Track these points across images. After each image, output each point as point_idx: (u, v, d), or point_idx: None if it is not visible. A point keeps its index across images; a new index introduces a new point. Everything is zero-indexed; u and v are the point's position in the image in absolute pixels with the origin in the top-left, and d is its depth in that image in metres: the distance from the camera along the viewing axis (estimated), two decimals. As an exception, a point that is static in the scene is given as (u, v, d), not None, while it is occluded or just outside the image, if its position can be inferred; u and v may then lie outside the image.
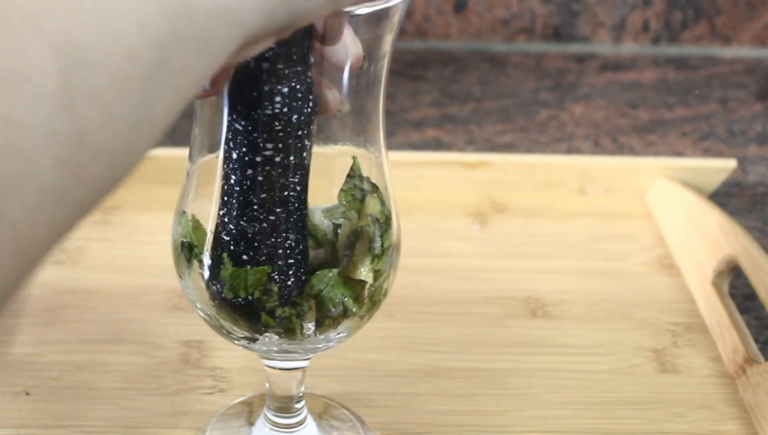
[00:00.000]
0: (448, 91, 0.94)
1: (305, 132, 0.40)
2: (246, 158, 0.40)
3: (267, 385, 0.52)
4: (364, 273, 0.44)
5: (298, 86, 0.39)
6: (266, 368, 0.50)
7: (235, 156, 0.40)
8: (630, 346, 0.61)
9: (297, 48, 0.38)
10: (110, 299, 0.63)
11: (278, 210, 0.41)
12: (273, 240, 0.41)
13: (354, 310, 0.44)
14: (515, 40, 1.02)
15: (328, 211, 0.44)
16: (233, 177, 0.41)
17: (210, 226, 0.43)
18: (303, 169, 0.41)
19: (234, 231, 0.42)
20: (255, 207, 0.41)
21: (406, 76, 0.97)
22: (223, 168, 0.41)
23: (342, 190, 0.44)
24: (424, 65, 0.99)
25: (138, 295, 0.63)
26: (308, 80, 0.39)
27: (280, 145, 0.40)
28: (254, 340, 0.45)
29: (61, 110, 0.26)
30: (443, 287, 0.65)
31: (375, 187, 0.45)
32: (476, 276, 0.67)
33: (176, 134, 0.84)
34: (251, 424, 0.54)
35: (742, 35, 1.02)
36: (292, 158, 0.40)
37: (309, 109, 0.40)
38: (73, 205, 0.27)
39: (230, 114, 0.40)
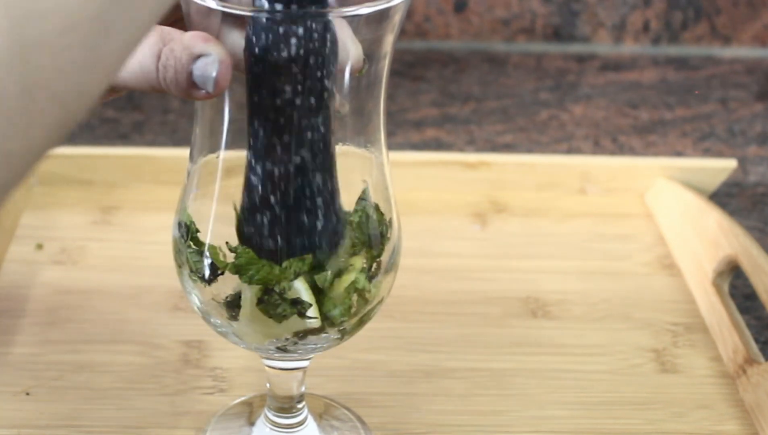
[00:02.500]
0: (448, 91, 0.94)
1: (324, 72, 0.39)
2: (266, 102, 0.40)
3: (267, 385, 0.52)
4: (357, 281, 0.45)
5: (313, 26, 0.38)
6: (267, 368, 0.50)
7: (256, 99, 0.40)
8: (630, 346, 0.61)
9: None
10: (110, 299, 0.63)
11: (302, 151, 0.40)
12: (299, 181, 0.41)
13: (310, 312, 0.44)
14: (515, 40, 1.02)
15: None
16: (255, 121, 0.40)
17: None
18: (325, 110, 0.40)
19: (261, 173, 0.41)
20: (279, 149, 0.40)
21: (406, 76, 0.97)
22: (247, 111, 0.41)
23: (354, 211, 0.44)
24: (424, 65, 0.99)
25: (138, 295, 0.63)
26: (325, 20, 0.39)
27: (299, 88, 0.39)
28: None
29: (9, 64, 0.26)
30: (443, 287, 0.65)
31: (380, 212, 0.45)
32: (476, 276, 0.67)
33: (176, 134, 0.84)
34: (252, 424, 0.54)
35: (742, 35, 1.02)
36: (312, 100, 0.40)
37: (327, 50, 0.39)
38: (22, 156, 0.27)
39: (248, 57, 0.39)
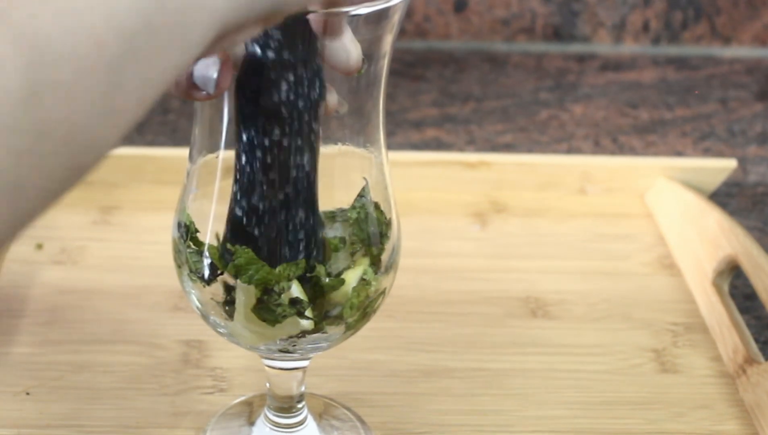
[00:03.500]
0: (448, 91, 0.94)
1: (313, 116, 0.41)
2: (255, 141, 0.41)
3: (267, 384, 0.52)
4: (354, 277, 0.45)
5: (304, 73, 0.40)
6: (266, 368, 0.50)
7: (245, 138, 0.41)
8: (630, 346, 0.61)
9: (300, 36, 0.39)
10: (110, 299, 0.63)
11: (287, 189, 0.42)
12: (283, 217, 0.42)
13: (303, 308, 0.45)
14: (515, 40, 1.02)
15: (329, 215, 0.45)
16: (244, 157, 0.42)
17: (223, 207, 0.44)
18: (311, 151, 0.42)
19: (246, 207, 0.43)
20: (264, 186, 0.42)
21: (406, 76, 0.97)
22: (235, 147, 0.42)
23: (352, 207, 0.45)
24: (424, 65, 0.99)
25: (138, 295, 0.63)
26: (315, 66, 0.40)
27: (287, 130, 0.41)
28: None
29: (24, 103, 0.26)
30: (443, 287, 0.65)
31: (380, 211, 0.46)
32: (476, 276, 0.67)
33: (176, 134, 0.84)
34: (252, 423, 0.54)
35: (742, 35, 1.02)
36: (299, 141, 0.41)
37: (316, 95, 0.41)
38: (35, 196, 0.28)
39: (240, 98, 0.41)
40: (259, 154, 0.41)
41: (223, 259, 0.44)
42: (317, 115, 0.41)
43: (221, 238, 0.44)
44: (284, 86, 0.40)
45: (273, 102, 0.40)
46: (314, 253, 0.44)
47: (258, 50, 0.39)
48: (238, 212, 0.43)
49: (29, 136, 0.26)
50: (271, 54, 0.39)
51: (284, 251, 0.43)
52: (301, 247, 0.43)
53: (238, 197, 0.43)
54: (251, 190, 0.42)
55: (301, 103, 0.40)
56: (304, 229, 0.43)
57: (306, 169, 0.42)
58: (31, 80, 0.26)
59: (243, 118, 0.41)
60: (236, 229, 0.43)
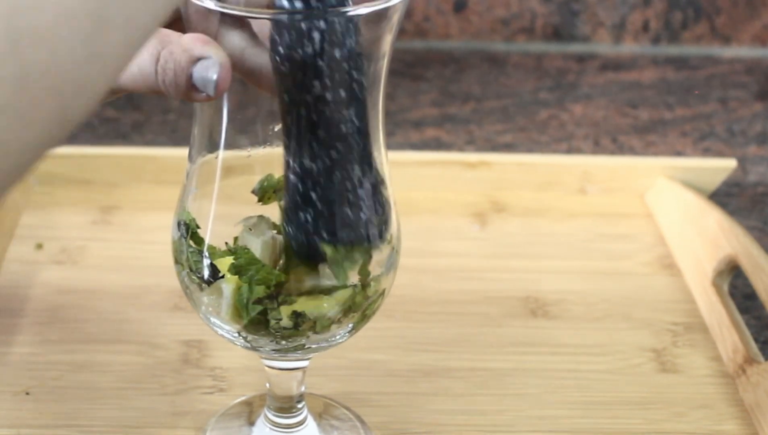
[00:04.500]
0: (448, 91, 0.94)
1: (352, 65, 0.39)
2: (296, 99, 0.40)
3: (267, 385, 0.52)
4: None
5: (336, 20, 0.38)
6: (266, 368, 0.50)
7: (286, 98, 0.40)
8: (630, 346, 0.61)
9: None
10: (110, 299, 0.63)
11: (338, 144, 0.40)
12: (339, 176, 0.41)
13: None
14: (515, 40, 1.02)
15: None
16: (288, 119, 0.40)
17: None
18: (358, 102, 0.40)
19: (299, 171, 0.41)
20: (314, 145, 0.40)
21: (406, 76, 0.97)
22: (280, 112, 0.41)
23: None
24: (424, 65, 0.99)
25: (138, 295, 0.63)
26: (347, 13, 0.39)
27: (327, 82, 0.39)
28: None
29: (3, 53, 0.25)
30: (443, 287, 0.65)
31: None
32: (476, 276, 0.67)
33: (176, 134, 0.84)
34: (251, 424, 0.54)
35: (742, 35, 1.02)
36: (342, 93, 0.40)
37: (352, 41, 0.39)
38: (19, 149, 0.27)
39: (274, 56, 0.39)
40: (303, 112, 0.40)
41: (286, 233, 0.43)
42: (358, 64, 0.40)
43: (282, 208, 0.43)
44: (316, 35, 0.38)
45: (308, 54, 0.38)
46: (378, 211, 0.43)
47: (285, 2, 0.38)
48: (293, 178, 0.41)
49: (10, 86, 0.26)
50: (299, 3, 0.38)
51: (346, 212, 0.41)
52: (363, 207, 0.42)
53: (290, 163, 0.41)
54: (301, 151, 0.41)
55: (337, 52, 0.39)
56: (363, 186, 0.42)
57: (355, 122, 0.40)
58: (10, 29, 0.25)
59: (281, 77, 0.39)
60: (294, 196, 0.42)
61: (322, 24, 0.38)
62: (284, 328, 0.44)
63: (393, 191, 0.47)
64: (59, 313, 0.62)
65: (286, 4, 0.38)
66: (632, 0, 1.01)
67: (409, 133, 0.87)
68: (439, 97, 0.93)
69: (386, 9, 0.40)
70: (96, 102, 0.29)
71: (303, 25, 0.38)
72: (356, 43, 0.39)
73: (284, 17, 0.38)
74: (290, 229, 0.42)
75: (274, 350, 0.47)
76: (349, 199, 0.41)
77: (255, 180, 0.44)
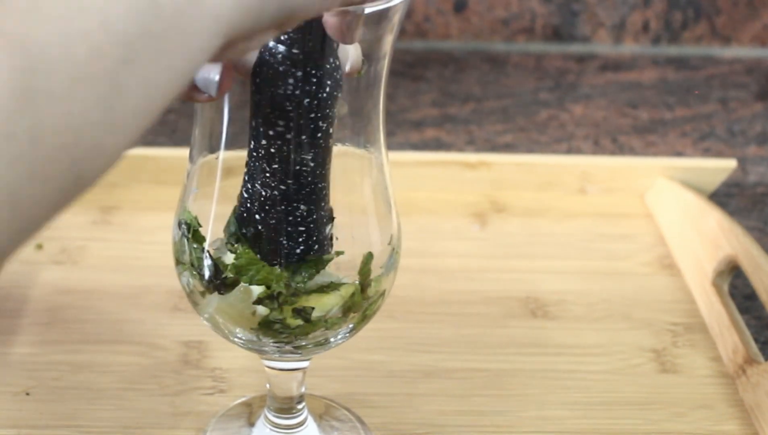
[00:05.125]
0: (448, 91, 0.94)
1: (320, 115, 0.41)
2: (261, 129, 0.41)
3: (267, 385, 0.52)
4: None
5: (313, 71, 0.40)
6: (266, 369, 0.50)
7: (253, 124, 0.42)
8: (630, 346, 0.61)
9: (312, 34, 0.39)
10: (110, 299, 0.63)
11: (289, 181, 0.42)
12: (283, 208, 0.43)
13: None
14: (515, 40, 1.02)
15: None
16: (252, 142, 0.42)
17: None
18: (317, 148, 0.42)
19: (251, 191, 0.43)
20: (267, 175, 0.42)
21: (406, 76, 0.97)
22: (249, 131, 0.42)
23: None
24: (424, 65, 0.99)
25: (138, 295, 0.63)
26: (328, 66, 0.40)
27: (291, 124, 0.41)
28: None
29: (18, 109, 0.26)
30: (443, 287, 0.65)
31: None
32: (476, 276, 0.67)
33: (176, 134, 0.84)
34: (251, 425, 0.54)
35: (742, 35, 1.02)
36: (303, 137, 0.41)
37: (324, 94, 0.41)
38: (32, 205, 0.27)
39: (252, 84, 0.41)
40: (263, 142, 0.41)
41: (230, 234, 0.44)
42: (326, 115, 0.41)
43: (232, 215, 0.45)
44: (290, 81, 0.40)
45: (278, 94, 0.40)
46: (315, 248, 0.44)
47: (271, 42, 0.39)
48: (245, 194, 0.43)
49: (23, 141, 0.26)
50: (281, 47, 0.39)
51: (282, 241, 0.43)
52: (300, 240, 0.43)
53: (246, 179, 0.43)
54: (256, 175, 0.43)
55: (306, 100, 0.40)
56: (306, 223, 0.43)
57: (311, 165, 0.42)
58: (25, 87, 0.26)
59: (254, 104, 0.41)
60: (243, 210, 0.44)
61: (299, 73, 0.40)
62: (295, 328, 0.45)
63: (393, 191, 0.47)
64: (59, 313, 0.62)
65: (270, 43, 0.39)
66: (632, 0, 1.01)
67: (409, 133, 0.87)
68: (439, 97, 0.93)
69: (387, 9, 0.40)
70: (111, 165, 0.29)
71: (281, 68, 0.40)
72: (329, 95, 0.41)
73: (267, 53, 0.40)
74: (231, 241, 0.44)
75: (276, 348, 0.47)
76: (287, 231, 0.43)
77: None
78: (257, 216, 0.43)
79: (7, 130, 0.25)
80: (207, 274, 0.45)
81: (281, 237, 0.43)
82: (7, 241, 0.27)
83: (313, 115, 0.41)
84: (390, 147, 0.47)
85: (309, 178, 0.42)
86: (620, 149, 0.86)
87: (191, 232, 0.45)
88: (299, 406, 0.52)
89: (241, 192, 0.44)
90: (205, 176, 0.45)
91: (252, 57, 0.40)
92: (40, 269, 0.66)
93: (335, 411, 0.55)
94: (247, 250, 0.43)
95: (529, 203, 0.74)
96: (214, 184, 0.45)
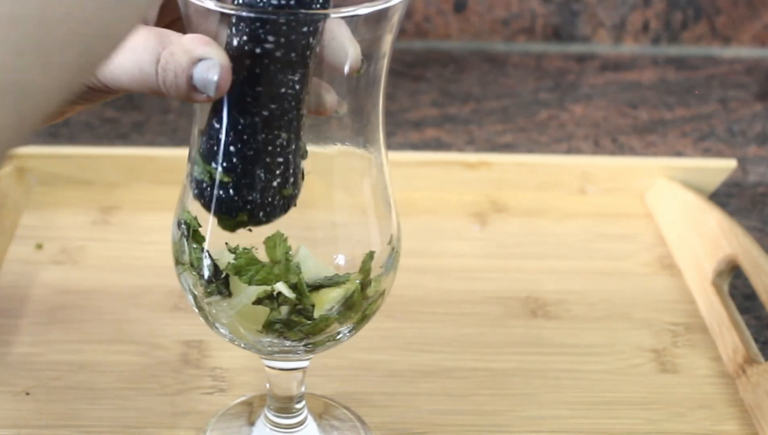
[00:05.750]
0: (448, 91, 0.94)
1: (311, 29, 0.39)
2: (245, 48, 0.39)
3: (267, 385, 0.52)
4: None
5: None
6: (266, 368, 0.50)
7: (235, 43, 0.39)
8: (630, 346, 0.61)
9: None
10: (110, 299, 0.63)
11: (273, 105, 0.40)
12: (264, 135, 0.40)
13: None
14: (515, 40, 1.02)
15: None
16: (232, 63, 0.39)
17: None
18: (303, 68, 0.40)
19: (225, 120, 0.40)
20: (248, 99, 0.40)
21: (406, 76, 0.97)
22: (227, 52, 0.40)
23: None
24: (424, 65, 0.99)
25: (138, 295, 0.63)
26: None
27: (282, 40, 0.38)
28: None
29: None
30: (443, 287, 0.65)
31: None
32: (476, 276, 0.67)
33: (176, 134, 0.84)
34: (251, 424, 0.54)
35: (742, 35, 1.02)
36: (293, 54, 0.39)
37: (318, 5, 0.38)
38: (41, 94, 0.26)
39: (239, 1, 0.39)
40: (247, 62, 0.39)
41: (196, 188, 0.42)
42: (315, 29, 0.39)
43: (190, 160, 0.43)
44: None
45: (272, 3, 0.38)
46: (290, 181, 0.42)
47: (234, 3, 0.38)
48: (216, 124, 0.41)
49: (33, 27, 0.25)
50: (244, 10, 0.38)
51: (260, 173, 0.41)
52: (278, 172, 0.41)
53: (216, 109, 0.41)
54: (235, 102, 0.40)
55: (301, 15, 0.38)
56: (285, 154, 0.41)
57: (296, 88, 0.40)
58: None
59: (237, 20, 0.39)
60: (212, 143, 0.41)
61: None
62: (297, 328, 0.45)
63: (393, 191, 0.47)
64: (59, 313, 0.62)
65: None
66: (632, 0, 1.01)
67: (409, 133, 0.87)
68: (439, 97, 0.93)
69: (386, 9, 0.40)
70: (118, 47, 0.28)
71: None
72: (323, 6, 0.38)
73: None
74: (196, 185, 0.42)
75: (274, 346, 0.47)
76: (266, 162, 0.41)
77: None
78: (232, 147, 0.40)
79: (15, 12, 0.25)
80: (206, 274, 0.45)
81: (259, 169, 0.41)
82: (12, 135, 0.26)
83: (306, 30, 0.39)
84: (390, 147, 0.47)
85: (293, 103, 0.40)
86: (620, 149, 0.86)
87: (191, 232, 0.45)
88: (299, 406, 0.52)
89: (209, 124, 0.41)
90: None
91: None
92: (40, 269, 0.66)
93: (335, 410, 0.55)
94: (246, 251, 0.43)
95: (529, 203, 0.74)
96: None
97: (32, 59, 0.25)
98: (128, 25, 0.28)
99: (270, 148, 0.40)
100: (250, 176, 0.41)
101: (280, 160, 0.41)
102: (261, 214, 0.42)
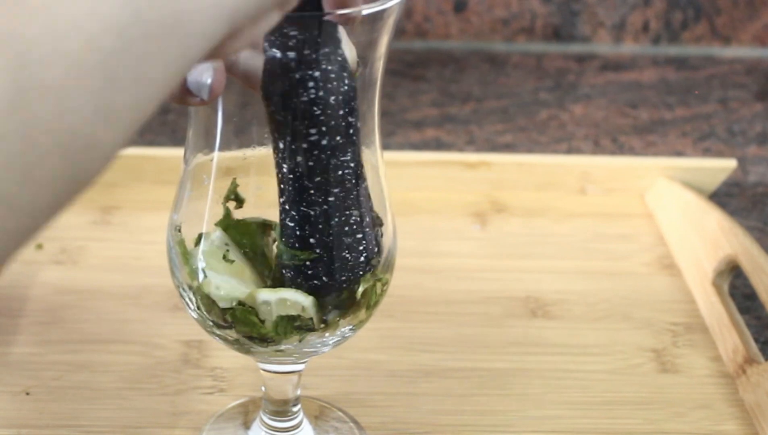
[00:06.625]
0: (448, 91, 0.94)
1: (347, 110, 0.40)
2: (293, 146, 0.40)
3: (263, 388, 0.51)
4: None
5: (329, 67, 0.39)
6: (261, 372, 0.50)
7: (282, 145, 0.40)
8: (630, 346, 0.61)
9: (321, 29, 0.38)
10: (110, 299, 0.63)
11: (335, 190, 0.41)
12: (336, 220, 0.41)
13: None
14: (515, 40, 1.02)
15: None
16: (284, 166, 0.41)
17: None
18: (353, 146, 0.41)
19: (297, 217, 0.41)
20: (312, 191, 0.41)
21: (406, 76, 0.97)
22: (274, 158, 0.41)
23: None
24: (424, 65, 0.99)
25: (138, 295, 0.63)
26: (339, 58, 0.39)
27: (324, 129, 0.39)
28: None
29: (10, 106, 0.25)
30: (443, 287, 0.65)
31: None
32: (476, 276, 0.67)
33: (176, 134, 0.84)
34: (247, 427, 0.54)
35: (742, 35, 1.02)
36: (338, 138, 0.40)
37: (346, 87, 0.39)
38: (28, 207, 0.26)
39: (269, 105, 0.40)
40: (299, 159, 0.40)
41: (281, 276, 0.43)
42: (352, 108, 0.40)
43: (275, 252, 0.44)
44: (311, 84, 0.38)
45: (303, 102, 0.39)
46: (375, 251, 0.43)
47: (277, 52, 0.38)
48: (290, 223, 0.42)
49: (15, 141, 0.25)
50: (291, 54, 0.38)
51: (345, 255, 0.42)
52: (361, 249, 0.42)
53: (287, 207, 0.41)
54: (299, 198, 0.41)
55: (332, 99, 0.39)
56: (362, 229, 0.42)
57: (351, 165, 0.41)
58: (18, 82, 0.25)
59: (276, 125, 0.40)
60: (292, 241, 0.42)
61: (315, 72, 0.38)
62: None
63: (389, 193, 0.47)
64: (59, 313, 0.62)
65: (278, 54, 0.38)
66: (632, 0, 1.01)
67: (409, 133, 0.87)
68: (439, 97, 0.93)
69: (382, 11, 0.40)
70: (107, 163, 0.28)
71: (297, 75, 0.38)
72: (349, 87, 0.39)
73: (277, 65, 0.38)
74: (287, 274, 0.43)
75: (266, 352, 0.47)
76: (347, 244, 0.42)
77: (250, 182, 0.44)
78: (311, 240, 0.42)
79: (1, 128, 0.25)
80: (200, 277, 0.45)
81: (343, 252, 0.42)
82: (5, 245, 0.26)
83: (342, 112, 0.40)
84: (390, 147, 0.47)
85: (353, 180, 0.41)
86: (620, 149, 0.86)
87: (182, 254, 0.45)
88: (295, 409, 0.52)
89: (283, 224, 0.42)
90: (200, 177, 0.45)
91: (245, 58, 0.40)
92: (40, 269, 0.66)
93: (331, 413, 0.55)
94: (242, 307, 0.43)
95: (529, 203, 0.74)
96: (209, 186, 0.45)
97: (17, 174, 0.25)
98: (114, 140, 0.27)
99: (347, 229, 0.42)
100: (339, 261, 0.42)
101: (360, 236, 0.42)
102: (356, 286, 0.44)
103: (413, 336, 0.61)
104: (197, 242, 0.45)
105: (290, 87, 0.39)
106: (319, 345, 0.46)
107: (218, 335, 0.46)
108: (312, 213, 0.41)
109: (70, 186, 0.27)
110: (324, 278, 0.42)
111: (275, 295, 0.43)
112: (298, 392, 0.52)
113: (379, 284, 0.46)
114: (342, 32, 0.40)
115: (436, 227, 0.72)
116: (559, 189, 0.76)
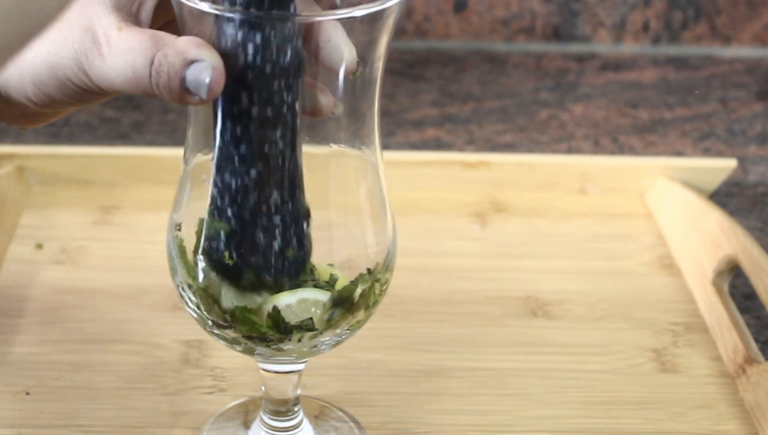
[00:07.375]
0: (448, 91, 0.94)
1: (284, 84, 0.39)
2: (226, 109, 0.39)
3: (263, 388, 0.51)
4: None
5: (272, 35, 0.38)
6: (261, 371, 0.50)
7: (218, 109, 0.40)
8: (630, 346, 0.61)
9: None
10: (110, 299, 0.63)
11: (260, 165, 0.40)
12: (255, 197, 0.40)
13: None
14: (515, 40, 1.02)
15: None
16: (217, 128, 0.40)
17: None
18: (285, 126, 0.40)
19: (220, 185, 0.41)
20: (236, 160, 0.40)
21: (406, 76, 0.97)
22: (213, 116, 0.40)
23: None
24: (424, 65, 0.99)
25: (138, 295, 0.63)
26: (287, 32, 0.38)
27: (254, 97, 0.39)
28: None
29: None
30: (443, 287, 0.65)
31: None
32: (476, 276, 0.67)
33: (176, 134, 0.84)
34: (247, 427, 0.54)
35: (742, 35, 1.02)
36: (269, 112, 0.39)
37: (285, 62, 0.38)
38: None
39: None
40: (228, 124, 0.39)
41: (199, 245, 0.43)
42: (291, 86, 0.39)
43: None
44: (250, 48, 0.38)
45: (239, 65, 0.38)
46: (293, 242, 0.42)
47: (228, 6, 0.38)
48: (214, 190, 0.41)
49: None
50: (238, 13, 0.37)
51: (258, 236, 0.41)
52: (277, 234, 0.41)
53: (214, 173, 0.41)
54: (224, 165, 0.40)
55: (268, 69, 0.38)
56: (281, 213, 0.41)
57: (279, 145, 0.40)
58: None
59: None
60: (213, 208, 0.41)
61: (257, 37, 0.38)
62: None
63: (389, 192, 0.47)
64: (59, 313, 0.62)
65: (228, 10, 0.38)
66: (632, 0, 1.01)
67: (409, 133, 0.87)
68: (439, 97, 0.93)
69: (381, 11, 0.40)
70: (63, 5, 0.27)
71: (239, 34, 0.38)
72: (290, 64, 0.39)
73: (224, 21, 0.38)
74: (204, 244, 0.43)
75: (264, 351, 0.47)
76: (263, 224, 0.41)
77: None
78: (229, 211, 0.41)
79: None
80: (200, 277, 0.45)
81: (257, 231, 0.41)
82: None
83: (277, 87, 0.39)
84: (390, 147, 0.47)
85: (280, 161, 0.40)
86: (620, 149, 0.86)
87: (181, 254, 0.45)
88: (295, 408, 0.52)
89: (211, 188, 0.41)
90: (199, 177, 0.45)
91: None
92: (40, 269, 0.66)
93: (331, 412, 0.55)
94: (245, 307, 0.43)
95: (529, 203, 0.74)
96: (209, 186, 0.45)
97: None
98: None
99: (264, 208, 0.40)
100: (249, 240, 0.41)
101: (277, 220, 0.41)
102: (267, 276, 0.42)
103: (413, 336, 0.61)
104: (197, 241, 0.45)
105: (231, 45, 0.38)
106: (319, 345, 0.46)
107: (218, 335, 0.46)
108: (233, 184, 0.40)
109: (23, 21, 0.26)
110: (234, 255, 0.42)
111: (294, 297, 0.43)
112: (298, 392, 0.52)
113: (377, 284, 0.46)
114: (341, 31, 0.40)
115: (436, 227, 0.72)
116: (559, 189, 0.76)
